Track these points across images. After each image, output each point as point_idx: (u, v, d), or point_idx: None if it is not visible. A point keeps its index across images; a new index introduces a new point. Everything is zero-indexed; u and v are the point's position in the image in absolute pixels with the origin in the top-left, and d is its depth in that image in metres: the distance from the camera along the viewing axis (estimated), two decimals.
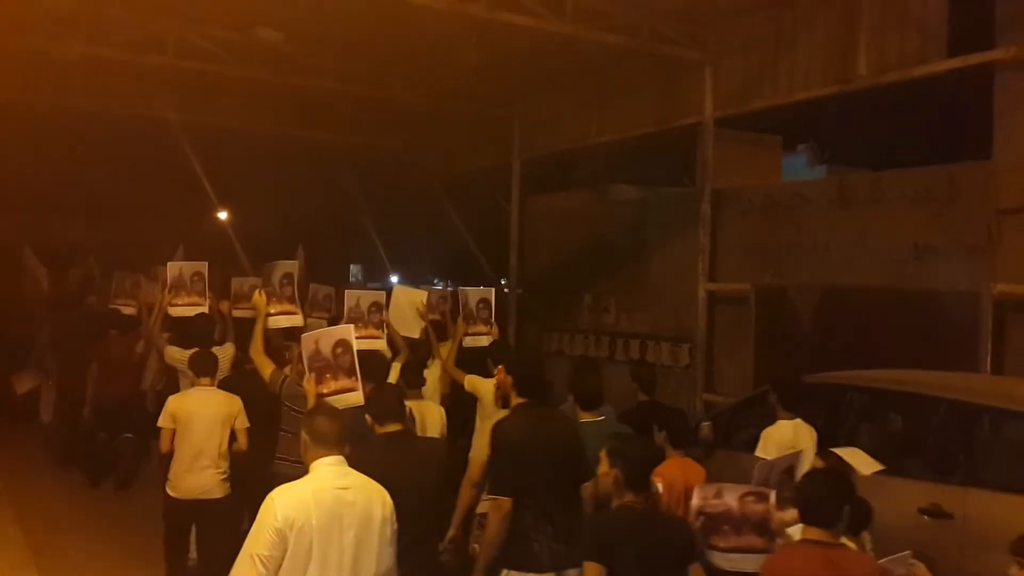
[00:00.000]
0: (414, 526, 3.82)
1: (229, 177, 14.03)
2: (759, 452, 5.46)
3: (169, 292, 7.12)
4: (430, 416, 5.88)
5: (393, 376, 5.98)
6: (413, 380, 5.98)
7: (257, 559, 3.17)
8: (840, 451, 4.50)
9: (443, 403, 6.36)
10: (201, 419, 5.80)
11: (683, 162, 10.60)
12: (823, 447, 4.95)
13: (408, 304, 6.95)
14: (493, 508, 4.26)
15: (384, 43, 9.87)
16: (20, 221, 14.19)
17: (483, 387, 5.97)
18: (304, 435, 3.50)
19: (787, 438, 5.43)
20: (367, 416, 4.32)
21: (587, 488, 4.32)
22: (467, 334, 6.70)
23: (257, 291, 5.97)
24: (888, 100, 11.89)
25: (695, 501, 4.29)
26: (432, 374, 6.61)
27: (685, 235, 9.93)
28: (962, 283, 7.27)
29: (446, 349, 6.68)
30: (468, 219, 14.66)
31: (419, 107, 12.10)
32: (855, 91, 8.00)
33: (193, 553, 6.02)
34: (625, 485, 3.76)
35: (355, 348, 5.09)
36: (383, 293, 6.76)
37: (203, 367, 6.03)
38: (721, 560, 4.17)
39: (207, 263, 7.36)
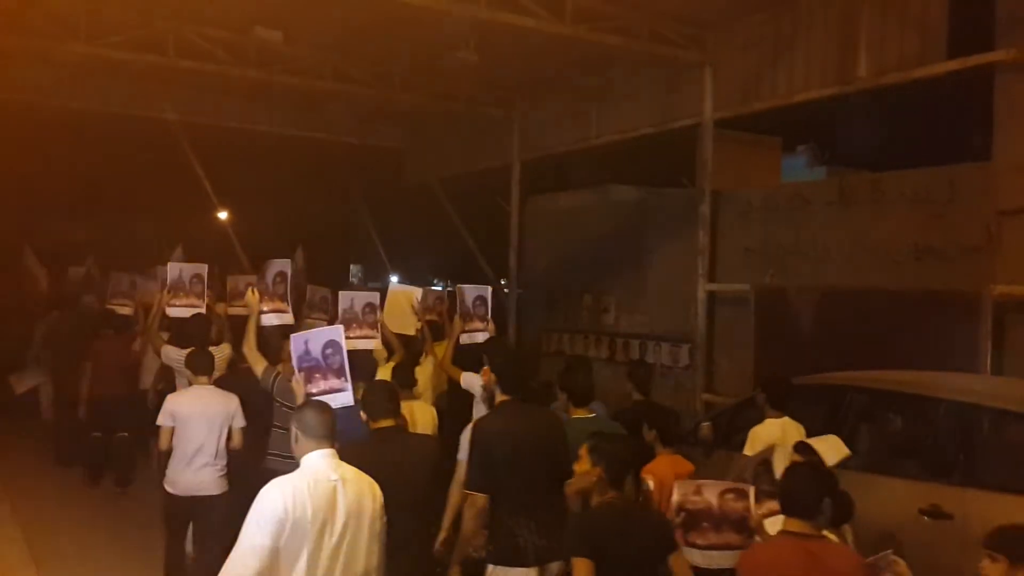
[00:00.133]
0: (405, 521, 3.83)
1: (229, 177, 14.02)
2: (747, 450, 5.47)
3: (168, 292, 7.15)
4: (421, 416, 5.87)
5: (385, 376, 5.96)
6: (405, 380, 5.96)
7: (257, 550, 3.18)
8: (812, 441, 4.50)
9: (441, 401, 6.34)
10: (200, 417, 5.85)
11: (682, 163, 10.57)
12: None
13: (402, 301, 6.97)
14: (468, 504, 4.28)
15: (383, 43, 9.87)
16: (20, 221, 14.20)
17: (478, 384, 5.95)
18: (294, 429, 3.53)
19: (775, 436, 5.40)
20: (362, 412, 4.35)
21: (571, 484, 4.31)
22: (464, 331, 6.67)
23: (250, 289, 5.98)
24: (888, 101, 11.90)
25: (675, 497, 4.32)
26: (424, 372, 6.60)
27: (685, 236, 9.92)
28: (962, 284, 7.25)
29: (442, 348, 6.67)
30: (468, 219, 14.64)
31: (419, 107, 12.11)
32: (855, 92, 7.99)
33: (191, 549, 6.06)
34: (607, 482, 3.77)
35: (345, 349, 5.10)
36: (377, 294, 6.76)
37: (200, 366, 6.08)
38: (700, 558, 4.17)
39: (207, 265, 7.38)
